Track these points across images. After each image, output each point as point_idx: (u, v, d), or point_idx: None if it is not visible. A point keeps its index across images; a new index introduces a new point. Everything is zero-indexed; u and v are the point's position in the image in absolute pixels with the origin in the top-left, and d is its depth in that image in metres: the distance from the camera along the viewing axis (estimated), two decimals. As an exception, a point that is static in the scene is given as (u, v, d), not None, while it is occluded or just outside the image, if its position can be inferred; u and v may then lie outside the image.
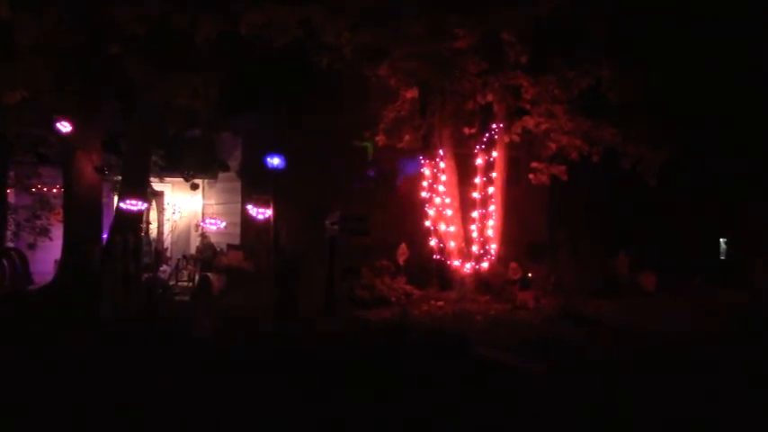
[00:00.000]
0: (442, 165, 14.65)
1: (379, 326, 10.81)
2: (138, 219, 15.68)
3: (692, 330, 11.03)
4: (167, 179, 18.58)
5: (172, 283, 15.39)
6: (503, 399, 7.34)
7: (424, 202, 15.09)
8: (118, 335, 10.07)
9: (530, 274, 13.65)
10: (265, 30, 11.84)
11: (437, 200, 14.73)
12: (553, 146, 14.09)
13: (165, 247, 17.89)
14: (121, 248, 12.70)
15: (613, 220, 17.35)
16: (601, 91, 13.62)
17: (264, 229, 14.53)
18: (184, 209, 18.98)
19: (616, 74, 13.31)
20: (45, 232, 17.18)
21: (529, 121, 14.00)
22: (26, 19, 11.27)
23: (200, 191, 19.03)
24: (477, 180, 14.67)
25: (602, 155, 14.22)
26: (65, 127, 13.70)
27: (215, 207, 19.10)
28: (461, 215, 14.65)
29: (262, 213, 14.30)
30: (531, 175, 14.61)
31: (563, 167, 14.29)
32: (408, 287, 14.06)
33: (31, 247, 16.90)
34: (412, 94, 14.49)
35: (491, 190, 14.60)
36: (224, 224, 17.63)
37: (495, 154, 14.55)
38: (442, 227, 14.64)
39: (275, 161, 12.91)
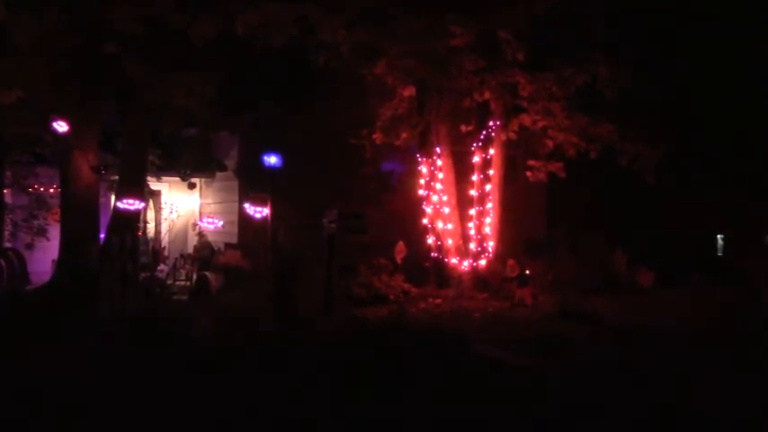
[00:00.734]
0: (439, 162, 14.64)
1: (377, 324, 10.80)
2: (135, 218, 15.67)
3: (692, 331, 10.98)
4: (164, 178, 18.56)
5: (169, 282, 15.41)
6: (502, 397, 7.33)
7: (421, 199, 15.07)
8: (116, 334, 10.05)
9: (527, 272, 13.62)
10: (262, 29, 11.83)
11: (434, 198, 14.73)
12: (550, 143, 14.13)
13: (162, 246, 17.85)
14: (119, 248, 12.69)
15: (611, 217, 17.34)
16: (598, 88, 13.64)
17: (262, 227, 14.55)
18: (182, 208, 18.95)
19: (614, 72, 13.32)
20: (42, 232, 17.16)
21: (526, 119, 14.04)
22: (25, 19, 11.24)
23: (197, 190, 19.03)
24: (475, 178, 14.70)
25: (599, 152, 14.25)
26: (61, 127, 13.69)
27: (212, 206, 19.08)
28: (459, 213, 14.67)
29: (259, 212, 14.32)
30: (528, 173, 14.66)
31: (560, 165, 14.34)
32: (406, 285, 14.02)
33: (29, 247, 16.88)
34: (409, 92, 14.51)
35: (488, 187, 14.64)
36: (221, 223, 17.60)
37: (492, 151, 14.58)
38: (440, 225, 14.65)
39: (272, 160, 12.92)
